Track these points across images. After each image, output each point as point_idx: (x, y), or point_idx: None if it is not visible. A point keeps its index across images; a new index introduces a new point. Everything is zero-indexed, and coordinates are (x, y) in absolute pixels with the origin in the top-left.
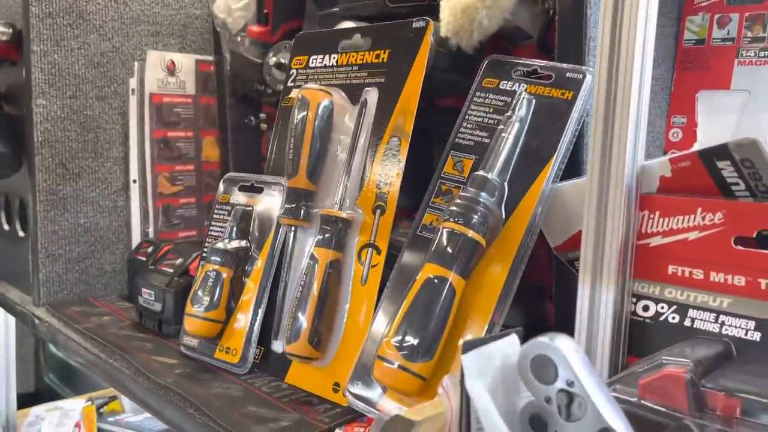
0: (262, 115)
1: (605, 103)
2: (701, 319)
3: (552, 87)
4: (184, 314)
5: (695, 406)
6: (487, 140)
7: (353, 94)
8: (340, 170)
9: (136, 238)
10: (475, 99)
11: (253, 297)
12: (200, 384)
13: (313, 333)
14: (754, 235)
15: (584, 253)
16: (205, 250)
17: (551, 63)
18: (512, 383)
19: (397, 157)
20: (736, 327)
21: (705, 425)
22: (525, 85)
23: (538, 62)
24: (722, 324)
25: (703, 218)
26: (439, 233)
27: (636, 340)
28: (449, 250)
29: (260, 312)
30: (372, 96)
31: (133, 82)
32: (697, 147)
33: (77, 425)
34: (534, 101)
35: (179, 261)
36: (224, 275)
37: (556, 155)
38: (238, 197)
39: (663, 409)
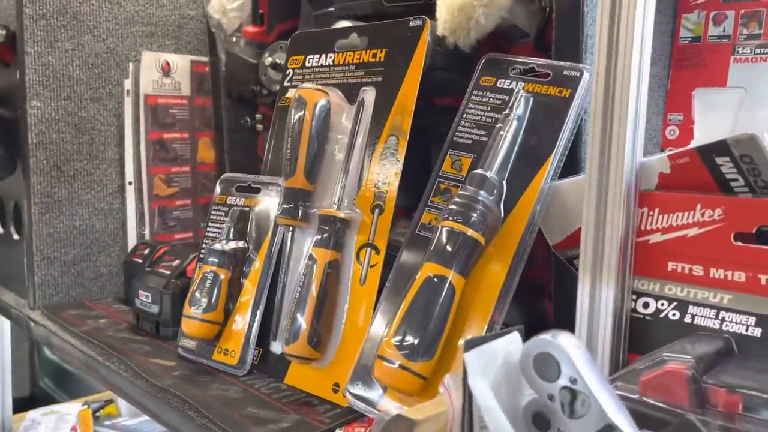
0: (258, 116)
1: (603, 100)
2: (702, 316)
3: (549, 85)
4: (182, 316)
5: (697, 402)
6: (485, 139)
7: (350, 93)
8: (337, 170)
9: (131, 241)
10: (472, 97)
11: (252, 298)
12: (199, 386)
13: (312, 333)
14: (754, 231)
15: (584, 250)
16: (203, 251)
17: (549, 61)
18: (515, 381)
19: (396, 156)
20: (736, 323)
21: (707, 421)
22: (522, 84)
23: (535, 60)
24: (723, 320)
25: (703, 214)
26: (438, 232)
27: (636, 337)
28: (449, 248)
29: (259, 313)
30: (369, 95)
31: (128, 84)
32: (694, 144)
33: (73, 429)
34: (532, 99)
35: (176, 263)
36: (222, 276)
37: (554, 153)
38: (235, 198)
39: (664, 406)
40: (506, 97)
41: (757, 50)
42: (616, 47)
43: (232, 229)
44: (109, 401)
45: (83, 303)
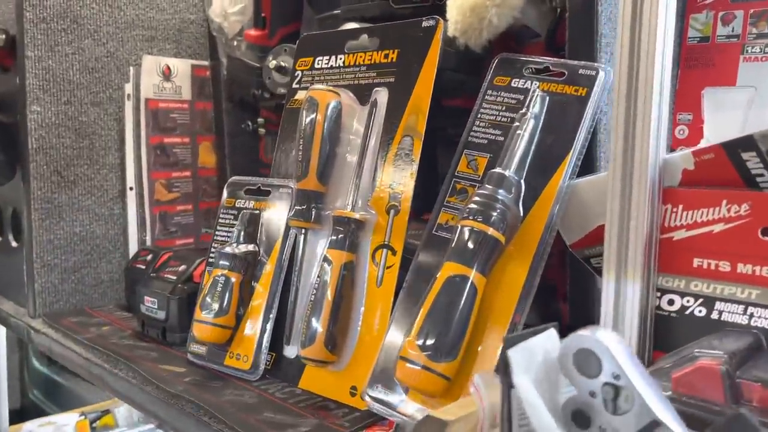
0: (260, 120)
1: (626, 97)
2: (729, 312)
3: (565, 84)
4: (193, 320)
5: (731, 398)
6: (501, 138)
7: (362, 94)
8: (349, 171)
9: (132, 247)
10: (486, 97)
11: (264, 302)
12: (212, 391)
13: (328, 336)
14: None
15: (608, 248)
16: (212, 255)
17: (563, 60)
18: (553, 379)
19: (410, 157)
20: (765, 318)
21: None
22: (537, 83)
23: (550, 60)
24: (751, 315)
25: (728, 210)
26: (458, 231)
27: (660, 335)
28: (469, 248)
29: (271, 317)
30: (382, 96)
31: (128, 88)
32: (704, 143)
33: None
34: (547, 98)
35: (182, 268)
36: (233, 280)
37: (572, 152)
38: (244, 201)
39: (700, 403)
40: (521, 97)
41: (767, 49)
42: (638, 44)
43: (242, 232)
44: (106, 412)
45: (84, 310)
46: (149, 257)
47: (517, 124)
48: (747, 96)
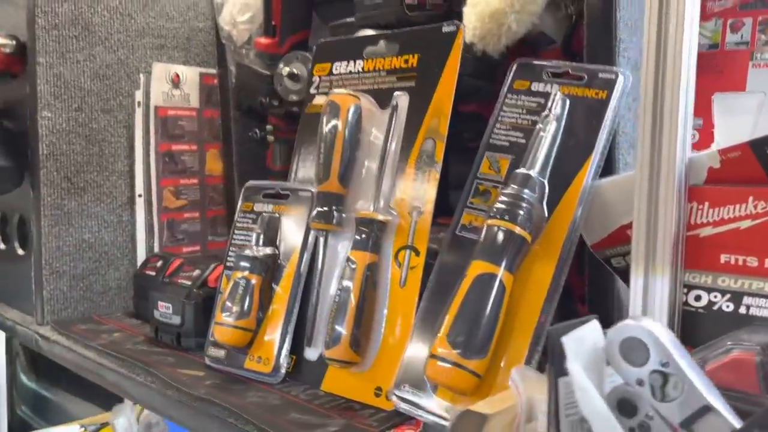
0: (269, 127)
1: (653, 97)
2: (758, 306)
3: (585, 87)
4: (213, 323)
5: (766, 388)
6: (523, 140)
7: (382, 99)
8: (370, 174)
9: (141, 254)
10: (506, 101)
11: (284, 305)
12: (235, 394)
13: (353, 337)
14: None
15: (636, 245)
16: (231, 258)
17: (583, 65)
18: (599, 368)
19: (433, 159)
20: None
21: None
22: (558, 86)
23: (569, 64)
24: None
25: (755, 206)
26: (485, 230)
27: (688, 330)
28: (497, 246)
29: (292, 319)
30: (403, 100)
31: (138, 95)
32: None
33: None
34: (568, 101)
35: (196, 273)
36: (254, 282)
37: (594, 152)
38: (263, 205)
39: (735, 393)
40: (541, 100)
41: None
42: (665, 45)
43: (261, 236)
44: (105, 424)
45: (91, 318)
46: (159, 264)
47: (539, 125)
48: (757, 101)
